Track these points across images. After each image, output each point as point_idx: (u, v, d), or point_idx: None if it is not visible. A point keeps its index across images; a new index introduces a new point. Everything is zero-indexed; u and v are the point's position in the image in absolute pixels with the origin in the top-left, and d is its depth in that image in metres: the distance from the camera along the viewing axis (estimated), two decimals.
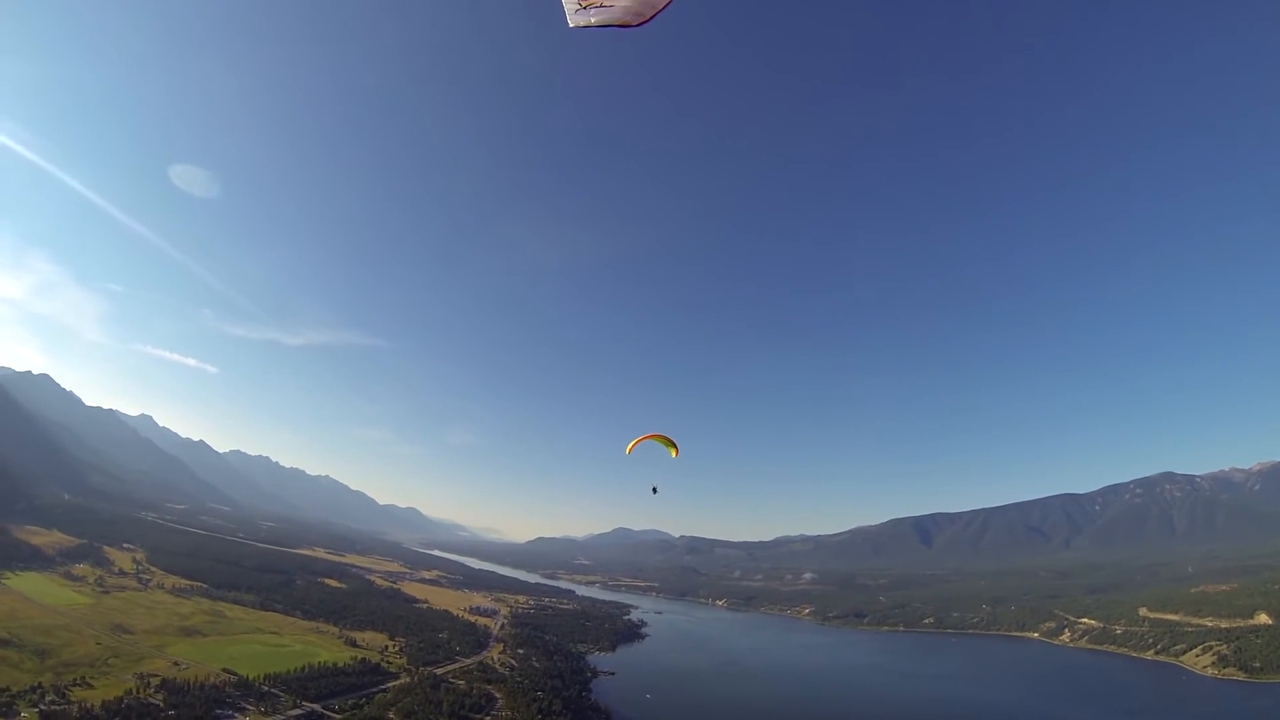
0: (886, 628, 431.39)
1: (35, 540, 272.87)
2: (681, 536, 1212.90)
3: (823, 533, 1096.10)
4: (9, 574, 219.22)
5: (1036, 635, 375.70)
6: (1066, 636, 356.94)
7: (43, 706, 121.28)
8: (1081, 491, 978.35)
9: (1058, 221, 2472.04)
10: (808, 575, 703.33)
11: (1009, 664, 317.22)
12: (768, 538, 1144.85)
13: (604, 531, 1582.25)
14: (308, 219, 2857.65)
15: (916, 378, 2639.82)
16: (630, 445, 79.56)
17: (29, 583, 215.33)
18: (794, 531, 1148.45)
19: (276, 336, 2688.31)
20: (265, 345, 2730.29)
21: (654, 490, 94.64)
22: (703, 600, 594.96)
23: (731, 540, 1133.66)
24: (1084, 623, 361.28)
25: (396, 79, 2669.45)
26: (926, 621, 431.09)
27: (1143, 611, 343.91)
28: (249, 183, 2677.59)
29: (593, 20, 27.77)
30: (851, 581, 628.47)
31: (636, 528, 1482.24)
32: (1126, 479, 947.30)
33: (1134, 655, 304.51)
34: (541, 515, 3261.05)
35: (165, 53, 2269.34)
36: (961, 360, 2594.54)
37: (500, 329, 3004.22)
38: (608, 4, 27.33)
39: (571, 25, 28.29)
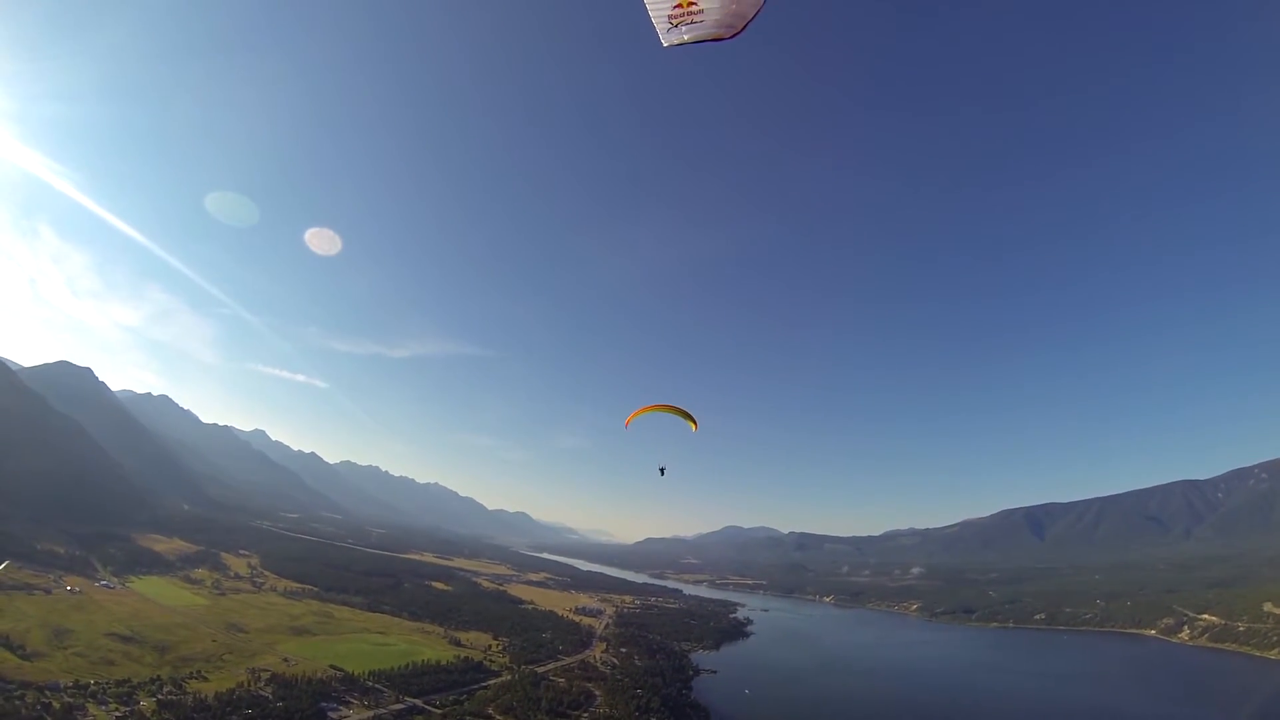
0: (996, 624, 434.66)
1: (157, 547, 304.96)
2: (790, 533, 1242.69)
3: (931, 526, 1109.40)
4: (133, 578, 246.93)
5: (1153, 633, 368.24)
6: (1185, 634, 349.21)
7: (160, 696, 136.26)
8: (1203, 477, 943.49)
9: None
10: (915, 570, 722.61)
11: (1124, 663, 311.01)
12: (876, 532, 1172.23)
13: (713, 530, 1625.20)
14: (407, 236, 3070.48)
15: (1024, 359, 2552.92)
16: (629, 418, 77.74)
17: (151, 586, 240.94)
18: (903, 525, 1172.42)
19: (381, 350, 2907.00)
20: (371, 359, 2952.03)
21: (661, 471, 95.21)
22: (810, 597, 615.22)
23: (840, 535, 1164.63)
24: (1204, 619, 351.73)
25: (490, 94, 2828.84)
26: (1037, 618, 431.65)
27: (1267, 607, 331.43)
28: (349, 204, 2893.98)
29: (686, 38, 29.58)
30: (960, 576, 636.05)
31: (746, 525, 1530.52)
32: (1251, 462, 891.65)
33: (1257, 654, 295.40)
34: (651, 515, 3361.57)
35: (261, 80, 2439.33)
36: (1071, 339, 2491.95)
37: (604, 331, 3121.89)
38: (698, 20, 28.95)
39: (666, 45, 30.14)
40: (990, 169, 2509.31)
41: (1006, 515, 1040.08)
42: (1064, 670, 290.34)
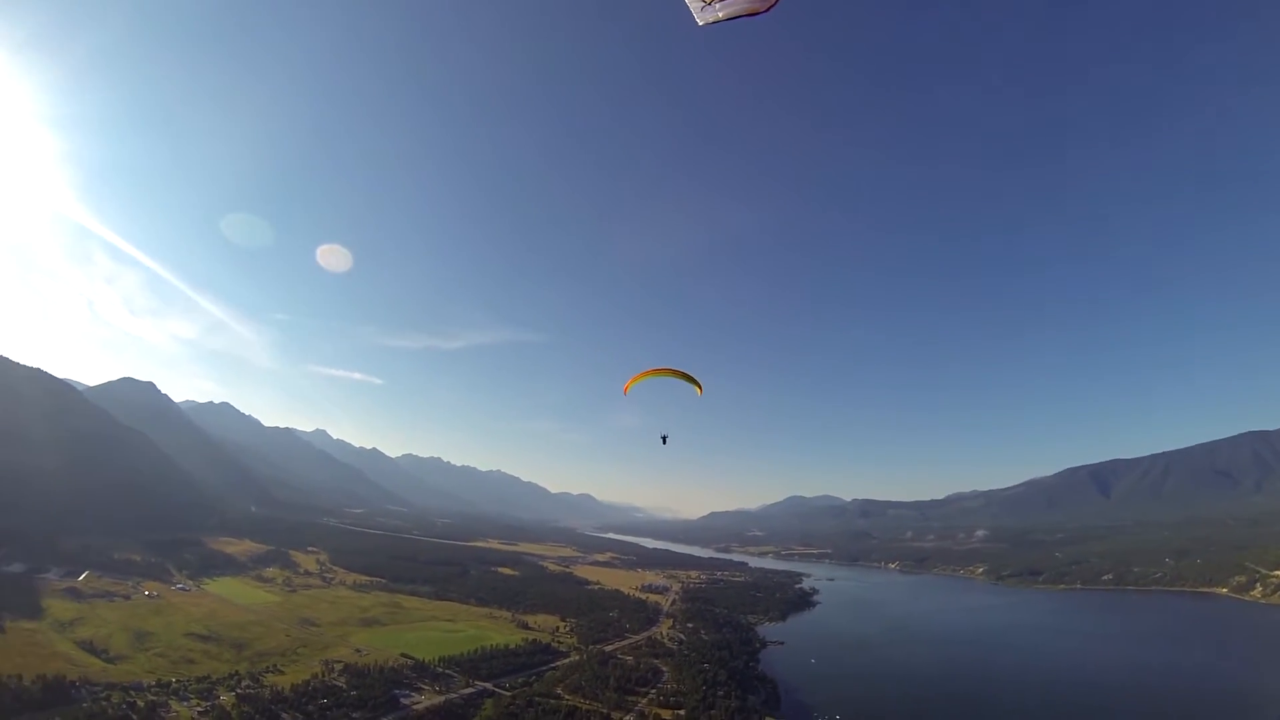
0: (1063, 586, 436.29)
1: (229, 549, 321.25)
2: (854, 500, 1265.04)
3: (995, 487, 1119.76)
4: (207, 580, 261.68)
5: (1225, 591, 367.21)
6: (1258, 591, 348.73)
7: (239, 690, 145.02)
8: (1272, 428, 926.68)
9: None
10: (980, 533, 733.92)
11: (1195, 623, 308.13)
12: (940, 495, 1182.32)
13: (776, 501, 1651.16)
14: (452, 229, 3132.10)
15: (1084, 312, 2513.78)
16: (628, 383, 77.75)
17: (225, 586, 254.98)
18: (966, 487, 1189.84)
19: (435, 343, 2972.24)
20: (425, 352, 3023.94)
21: (663, 440, 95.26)
22: (875, 564, 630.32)
23: (903, 500, 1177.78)
24: (1277, 576, 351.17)
25: (529, 82, 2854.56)
26: (1105, 578, 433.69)
27: None
28: (393, 204, 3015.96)
29: (720, 15, 30.26)
30: (1025, 538, 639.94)
31: (809, 494, 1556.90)
32: None
33: None
34: (714, 489, 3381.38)
35: (313, 96, 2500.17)
36: (1132, 290, 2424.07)
37: (650, 308, 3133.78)
38: None
39: (701, 24, 30.96)
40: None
41: (1071, 473, 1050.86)
42: (1134, 631, 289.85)
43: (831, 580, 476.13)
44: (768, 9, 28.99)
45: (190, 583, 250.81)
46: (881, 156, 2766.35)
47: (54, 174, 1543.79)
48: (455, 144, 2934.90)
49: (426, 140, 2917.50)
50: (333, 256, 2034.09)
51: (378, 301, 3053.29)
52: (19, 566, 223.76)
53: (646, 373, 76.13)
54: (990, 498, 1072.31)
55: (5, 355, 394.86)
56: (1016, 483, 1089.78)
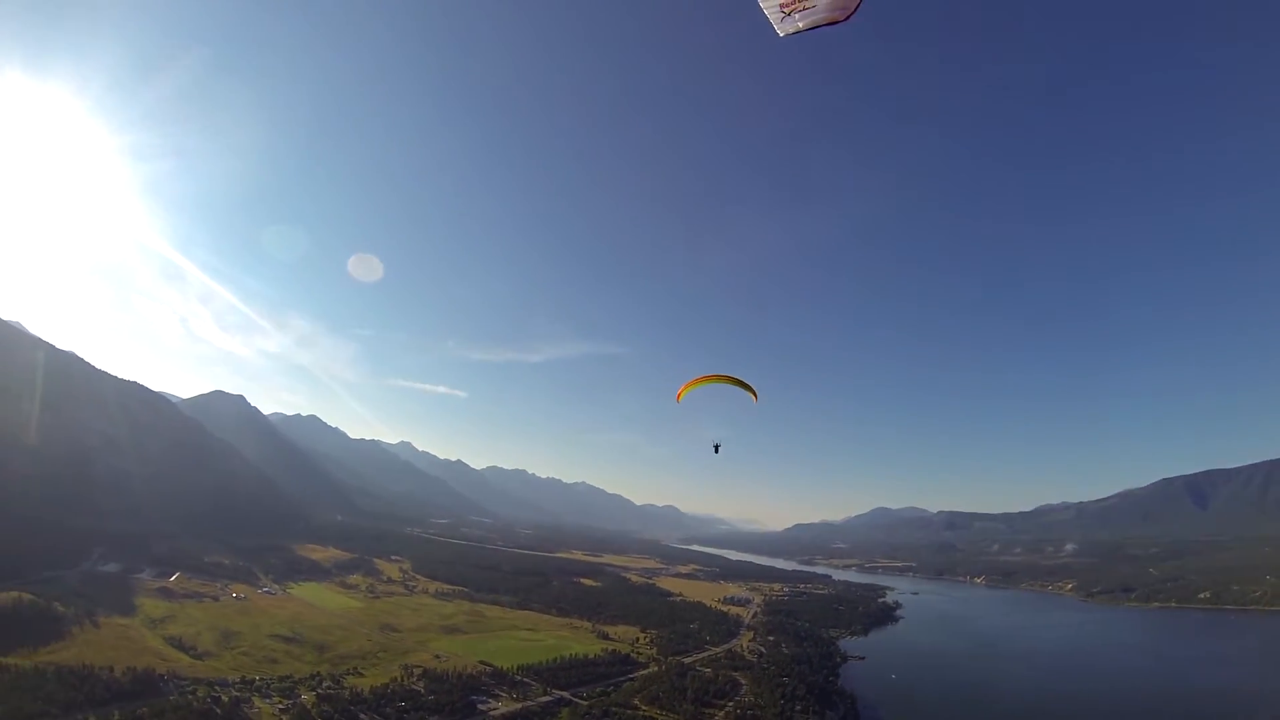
0: (1156, 604, 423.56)
1: (314, 556, 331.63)
2: (939, 512, 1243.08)
3: (1086, 499, 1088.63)
4: (293, 584, 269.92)
5: None
6: None
7: (320, 691, 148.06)
8: None
9: None
10: (1069, 547, 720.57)
11: None
12: (1028, 507, 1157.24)
13: (861, 513, 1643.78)
14: (534, 242, 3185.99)
15: (1179, 315, 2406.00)
16: (681, 390, 75.25)
17: (310, 591, 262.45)
18: (1055, 499, 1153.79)
19: (517, 356, 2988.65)
20: (508, 365, 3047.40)
21: (715, 448, 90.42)
22: (960, 578, 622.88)
23: (990, 513, 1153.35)
24: None
25: (609, 94, 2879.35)
26: (1202, 596, 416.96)
27: None
28: (475, 220, 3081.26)
29: (800, 25, 30.58)
30: (1118, 552, 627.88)
31: (894, 506, 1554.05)
32: None
33: None
34: (799, 501, 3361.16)
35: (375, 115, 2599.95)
36: (1228, 289, 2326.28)
37: (733, 317, 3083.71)
38: (810, 5, 29.82)
39: (781, 34, 31.24)
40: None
41: (1166, 484, 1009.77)
42: (1233, 655, 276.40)
43: (915, 594, 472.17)
44: (847, 17, 29.62)
45: (276, 586, 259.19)
46: (975, 155, 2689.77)
47: (147, 203, 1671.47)
48: (534, 159, 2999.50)
49: (508, 158, 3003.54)
50: (363, 266, 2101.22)
51: (459, 316, 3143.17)
52: (114, 566, 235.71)
53: (699, 380, 73.92)
54: (1080, 510, 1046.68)
55: (105, 369, 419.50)
56: (1108, 494, 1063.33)
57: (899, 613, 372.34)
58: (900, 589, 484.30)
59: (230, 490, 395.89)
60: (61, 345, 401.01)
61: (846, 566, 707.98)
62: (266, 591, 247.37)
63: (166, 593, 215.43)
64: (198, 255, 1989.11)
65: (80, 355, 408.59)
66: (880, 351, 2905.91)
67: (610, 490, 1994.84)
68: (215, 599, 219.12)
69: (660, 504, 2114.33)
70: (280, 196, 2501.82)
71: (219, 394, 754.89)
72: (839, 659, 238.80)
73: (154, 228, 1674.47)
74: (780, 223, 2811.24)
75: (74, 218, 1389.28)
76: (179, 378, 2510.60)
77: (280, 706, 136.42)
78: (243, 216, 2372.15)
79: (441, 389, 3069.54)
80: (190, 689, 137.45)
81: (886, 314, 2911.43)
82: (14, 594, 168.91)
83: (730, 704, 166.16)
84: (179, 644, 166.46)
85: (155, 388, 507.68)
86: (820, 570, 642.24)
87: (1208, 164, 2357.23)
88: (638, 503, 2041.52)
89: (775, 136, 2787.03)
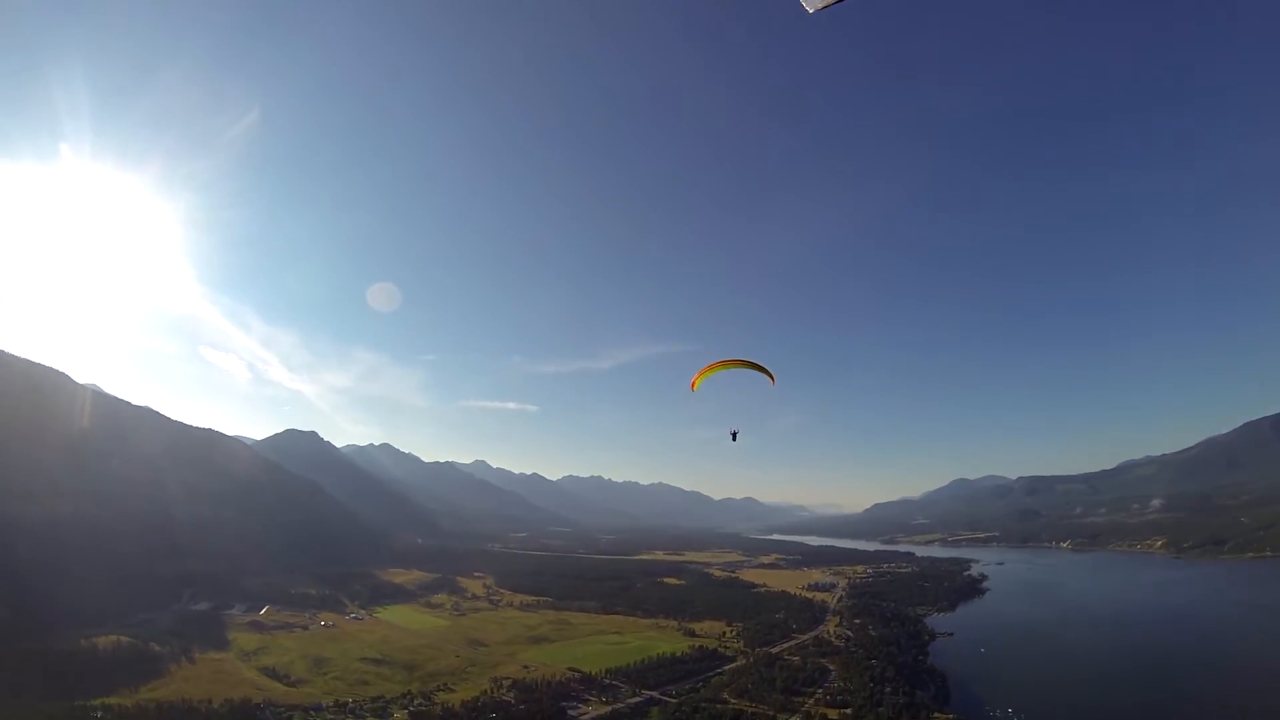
0: (1252, 554, 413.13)
1: (398, 579, 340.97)
2: (1019, 478, 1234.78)
3: (1168, 450, 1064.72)
4: (379, 609, 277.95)
5: None
6: None
7: (411, 709, 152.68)
8: None
9: None
10: (1156, 502, 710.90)
11: None
12: (1110, 465, 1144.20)
13: (940, 486, 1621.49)
14: (594, 252, 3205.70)
15: (1254, 247, 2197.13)
16: (696, 378, 74.76)
17: (396, 614, 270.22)
18: (1137, 453, 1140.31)
19: (586, 365, 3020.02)
20: (577, 375, 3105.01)
21: (733, 436, 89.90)
22: (1045, 544, 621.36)
23: (1071, 474, 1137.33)
24: None
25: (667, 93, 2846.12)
26: None
27: None
28: (533, 229, 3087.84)
29: None
30: (1207, 503, 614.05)
31: (972, 476, 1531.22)
32: None
33: None
34: (877, 480, 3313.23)
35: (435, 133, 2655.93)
36: None
37: (798, 305, 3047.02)
38: None
39: (811, 11, 30.27)
40: None
41: (1251, 427, 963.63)
42: None
43: (1000, 564, 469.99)
44: None
45: (362, 612, 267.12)
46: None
47: (208, 259, 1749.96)
48: (585, 166, 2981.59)
49: (567, 168, 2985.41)
50: (383, 295, 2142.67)
51: (523, 332, 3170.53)
52: (206, 605, 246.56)
53: (713, 366, 73.39)
54: (1164, 463, 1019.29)
55: (180, 419, 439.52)
56: (1192, 443, 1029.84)
57: (985, 585, 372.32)
58: (985, 560, 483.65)
59: (312, 523, 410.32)
60: (137, 402, 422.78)
61: (929, 542, 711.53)
62: (354, 617, 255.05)
63: (257, 626, 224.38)
64: (256, 299, 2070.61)
65: (155, 409, 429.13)
66: (951, 322, 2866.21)
67: (688, 488, 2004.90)
68: (305, 628, 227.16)
69: (739, 497, 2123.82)
70: (340, 245, 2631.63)
71: (292, 432, 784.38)
72: (927, 637, 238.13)
73: (213, 280, 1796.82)
74: (845, 206, 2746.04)
75: (139, 280, 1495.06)
76: (254, 420, 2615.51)
77: None
78: (308, 265, 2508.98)
79: (511, 405, 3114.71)
80: (286, 715, 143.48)
81: (952, 285, 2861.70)
82: (112, 637, 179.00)
83: (819, 691, 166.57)
84: (273, 673, 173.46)
85: (230, 432, 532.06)
86: (902, 548, 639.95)
87: None
88: (716, 498, 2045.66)
89: (840, 113, 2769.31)
